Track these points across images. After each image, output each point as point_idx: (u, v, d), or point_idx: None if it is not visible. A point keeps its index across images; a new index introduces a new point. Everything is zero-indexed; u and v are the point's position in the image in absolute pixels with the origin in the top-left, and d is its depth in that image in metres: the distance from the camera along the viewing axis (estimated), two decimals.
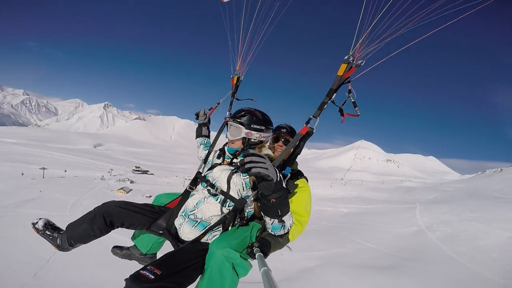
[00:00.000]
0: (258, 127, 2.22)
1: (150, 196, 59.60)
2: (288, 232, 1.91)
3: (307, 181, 2.43)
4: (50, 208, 39.68)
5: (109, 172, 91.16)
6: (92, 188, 60.61)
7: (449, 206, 69.74)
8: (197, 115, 2.93)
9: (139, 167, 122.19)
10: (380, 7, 1.57)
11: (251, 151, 1.63)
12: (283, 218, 1.75)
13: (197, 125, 3.00)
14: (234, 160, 2.27)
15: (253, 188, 1.98)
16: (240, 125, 2.23)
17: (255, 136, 2.23)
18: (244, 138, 2.25)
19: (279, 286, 1.10)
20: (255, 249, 1.73)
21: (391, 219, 59.79)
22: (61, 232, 2.24)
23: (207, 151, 2.61)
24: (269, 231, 1.87)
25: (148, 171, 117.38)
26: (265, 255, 1.76)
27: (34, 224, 2.27)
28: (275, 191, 1.58)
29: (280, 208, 1.68)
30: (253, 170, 1.46)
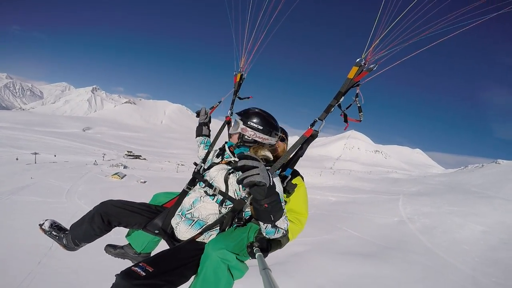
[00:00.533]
0: (255, 126, 2.18)
1: (145, 182, 59.52)
2: (284, 235, 1.87)
3: (303, 179, 2.39)
4: (45, 194, 39.54)
5: (102, 157, 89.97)
6: (85, 173, 59.97)
7: (430, 198, 72.87)
8: (198, 114, 2.90)
9: (131, 152, 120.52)
10: (396, 10, 1.53)
11: (246, 152, 1.59)
12: (276, 223, 1.69)
13: (197, 124, 2.94)
14: (232, 159, 2.23)
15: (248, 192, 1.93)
16: (239, 120, 2.24)
17: (249, 133, 2.18)
18: (239, 134, 2.23)
19: (279, 286, 1.09)
20: (255, 249, 1.72)
21: (376, 209, 62.22)
22: (66, 232, 2.30)
23: (207, 150, 2.55)
24: (264, 234, 1.81)
25: (140, 156, 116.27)
26: (265, 255, 1.74)
27: (41, 225, 2.33)
28: (267, 196, 1.52)
29: (273, 213, 1.61)
30: (246, 181, 1.42)
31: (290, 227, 1.99)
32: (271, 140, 2.24)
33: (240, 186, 1.99)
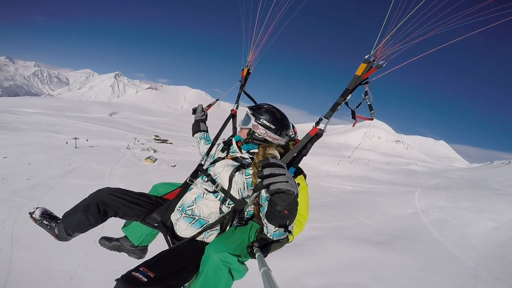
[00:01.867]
0: (267, 124, 2.09)
1: (174, 166, 61.92)
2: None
3: (305, 177, 2.31)
4: (91, 178, 42.16)
5: (134, 142, 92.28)
6: (121, 157, 62.49)
7: (447, 193, 72.36)
8: (194, 111, 2.83)
9: (158, 136, 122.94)
10: (411, 6, 1.43)
11: (271, 160, 1.37)
12: (289, 228, 1.62)
13: (194, 120, 2.88)
14: (238, 155, 2.15)
15: (255, 189, 1.78)
16: (251, 115, 2.15)
17: (260, 131, 2.10)
18: (249, 130, 2.15)
19: (279, 286, 1.09)
20: (255, 249, 1.70)
21: (390, 200, 63.07)
22: (58, 221, 2.17)
23: (209, 145, 2.49)
24: (268, 235, 1.70)
25: (167, 140, 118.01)
26: (265, 255, 1.73)
27: (31, 214, 2.20)
28: (290, 204, 1.39)
29: (290, 219, 1.54)
30: (272, 188, 1.27)
31: (294, 229, 1.95)
32: (281, 140, 2.15)
33: (245, 185, 1.95)
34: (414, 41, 1.50)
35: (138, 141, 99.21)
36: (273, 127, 2.10)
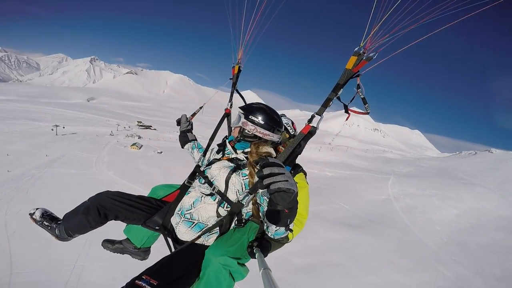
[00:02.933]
0: (256, 120, 2.06)
1: (161, 152, 60.75)
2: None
3: (305, 175, 2.28)
4: (77, 166, 40.71)
5: (117, 128, 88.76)
6: (106, 144, 60.15)
7: (417, 181, 77.62)
8: (179, 122, 2.76)
9: (141, 122, 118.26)
10: None
11: (270, 160, 1.37)
12: (290, 226, 1.61)
13: (179, 132, 2.76)
14: (233, 156, 2.12)
15: (251, 190, 1.79)
16: (241, 114, 2.14)
17: (249, 127, 2.07)
18: (240, 128, 2.14)
19: (279, 286, 1.10)
20: (255, 249, 1.69)
21: (366, 186, 67.02)
22: (58, 222, 2.18)
23: (207, 143, 2.45)
24: (269, 235, 1.68)
25: (151, 126, 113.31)
26: (265, 254, 1.72)
27: (31, 215, 2.19)
28: (290, 203, 1.38)
29: (290, 218, 1.52)
30: (272, 187, 1.28)
31: (294, 229, 1.98)
32: (273, 137, 2.11)
33: (243, 186, 1.93)
34: (401, 32, 1.51)
35: (125, 127, 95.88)
36: (262, 122, 2.07)
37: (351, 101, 1.73)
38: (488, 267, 39.74)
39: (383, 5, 1.46)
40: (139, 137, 77.64)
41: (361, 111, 1.75)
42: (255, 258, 1.62)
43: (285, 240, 1.89)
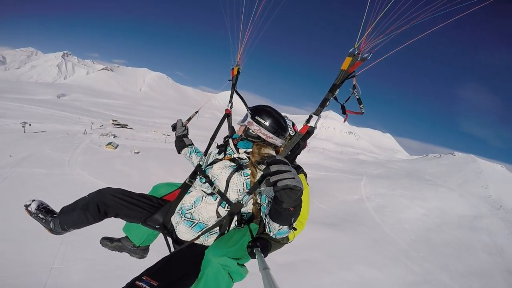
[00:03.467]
0: (262, 121, 2.08)
1: (138, 152, 58.82)
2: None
3: (306, 176, 2.28)
4: (48, 166, 38.90)
5: (91, 126, 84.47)
6: (79, 143, 57.47)
7: (388, 181, 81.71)
8: (174, 127, 2.69)
9: (116, 121, 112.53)
10: None
11: (278, 157, 1.39)
12: (293, 225, 1.60)
13: (175, 137, 2.71)
14: (236, 156, 2.14)
15: (251, 190, 1.84)
16: (249, 113, 2.17)
17: (254, 128, 2.09)
18: (245, 127, 2.16)
19: (279, 286, 1.09)
20: (255, 249, 1.68)
21: (341, 186, 69.39)
22: (54, 215, 2.13)
23: (200, 157, 2.38)
24: (271, 235, 1.67)
25: (127, 125, 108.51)
26: (265, 254, 1.71)
27: (27, 207, 2.14)
28: (296, 200, 1.40)
29: (294, 216, 1.51)
30: (280, 184, 1.29)
31: (294, 230, 1.98)
32: (276, 140, 2.12)
33: (245, 185, 1.94)
34: (395, 33, 1.52)
35: (100, 125, 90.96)
36: (267, 124, 2.08)
37: (346, 101, 1.76)
38: (452, 263, 43.20)
39: (376, 6, 1.49)
40: (115, 136, 74.69)
41: (356, 111, 1.78)
42: (255, 258, 1.63)
43: (286, 240, 1.95)
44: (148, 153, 59.83)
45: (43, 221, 2.11)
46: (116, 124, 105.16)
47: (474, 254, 46.06)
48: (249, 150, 2.12)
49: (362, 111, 1.73)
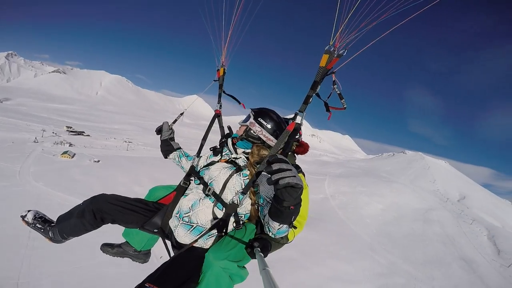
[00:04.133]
0: (264, 123, 2.10)
1: (98, 161, 55.60)
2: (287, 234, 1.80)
3: (304, 176, 2.22)
4: None
5: (43, 134, 77.23)
6: (30, 153, 52.74)
7: (349, 180, 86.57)
8: (160, 131, 2.58)
9: (71, 127, 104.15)
10: None
11: (278, 156, 1.40)
12: (293, 224, 1.60)
13: (160, 142, 2.59)
14: (233, 157, 2.14)
15: (245, 190, 1.86)
16: (251, 114, 2.18)
17: (256, 129, 2.10)
18: (247, 127, 2.16)
19: (279, 286, 1.09)
20: (255, 249, 1.65)
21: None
22: (52, 224, 2.13)
23: (191, 160, 2.34)
24: (270, 234, 1.70)
25: (83, 132, 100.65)
26: (265, 254, 1.68)
27: (23, 217, 2.13)
28: (296, 198, 1.40)
29: (295, 215, 1.50)
30: (281, 182, 1.29)
31: (293, 230, 1.99)
32: (272, 140, 2.11)
33: (243, 186, 1.93)
34: (366, 29, 1.55)
35: (53, 133, 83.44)
36: (269, 126, 2.11)
37: (328, 97, 1.78)
38: (412, 253, 47.25)
39: (347, 4, 1.53)
40: (70, 145, 69.29)
41: (338, 107, 1.80)
42: (255, 258, 1.59)
43: (286, 240, 1.95)
44: (110, 162, 56.46)
45: (42, 230, 2.11)
46: (72, 131, 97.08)
47: (430, 245, 50.97)
48: (248, 150, 2.12)
49: (345, 106, 1.78)
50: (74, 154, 57.28)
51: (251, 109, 2.23)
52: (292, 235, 2.01)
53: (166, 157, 2.59)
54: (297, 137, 2.36)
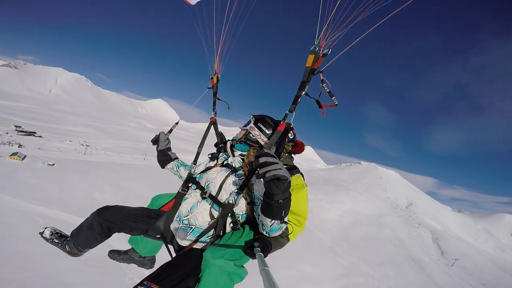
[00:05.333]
0: (263, 128, 2.18)
1: (53, 164, 51.68)
2: (283, 232, 1.84)
3: (303, 176, 2.25)
4: None
5: None
6: None
7: (311, 188, 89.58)
8: (156, 141, 2.62)
9: (20, 127, 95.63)
10: None
11: (266, 150, 1.48)
12: (285, 219, 1.64)
13: (156, 151, 2.63)
14: (230, 160, 2.21)
15: (240, 189, 1.91)
16: (252, 118, 2.24)
17: (255, 133, 2.18)
18: (246, 131, 2.24)
19: (279, 286, 1.10)
20: (255, 249, 1.65)
21: None
22: (68, 239, 2.22)
23: (189, 170, 2.37)
24: (264, 233, 1.75)
25: (35, 132, 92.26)
26: (265, 254, 1.68)
27: (41, 234, 2.25)
28: (284, 191, 1.45)
29: (285, 209, 1.55)
30: (268, 175, 1.35)
31: (294, 229, 1.99)
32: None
33: (239, 186, 1.97)
34: (347, 28, 1.59)
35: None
36: (267, 131, 2.17)
37: (319, 95, 1.81)
38: (369, 255, 50.69)
39: (329, 5, 1.58)
40: (20, 146, 63.50)
41: (330, 104, 1.82)
42: (255, 258, 1.59)
43: (286, 240, 1.97)
44: (67, 166, 52.31)
45: (59, 245, 2.22)
46: (21, 131, 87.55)
47: (384, 247, 55.29)
48: (245, 152, 2.20)
49: (336, 103, 1.79)
50: (25, 156, 52.20)
51: (252, 115, 2.29)
52: (293, 235, 2.03)
53: (163, 167, 2.63)
54: (291, 137, 2.41)
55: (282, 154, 2.25)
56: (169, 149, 2.64)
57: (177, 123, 2.77)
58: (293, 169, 2.21)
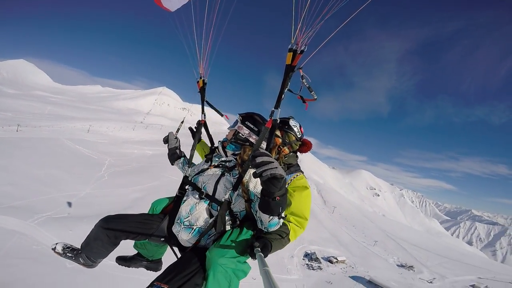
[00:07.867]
0: (251, 126, 2.21)
1: None
2: (283, 232, 1.90)
3: (304, 176, 2.26)
4: None
5: None
6: None
7: None
8: (167, 140, 2.75)
9: None
10: None
11: (261, 150, 1.51)
12: (282, 215, 1.67)
13: (167, 151, 2.76)
14: (224, 159, 2.23)
15: (234, 187, 1.95)
16: (239, 118, 2.28)
17: (244, 132, 2.21)
18: (235, 131, 2.26)
19: (279, 286, 1.10)
20: (255, 249, 1.65)
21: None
22: (79, 252, 2.23)
23: (190, 153, 2.50)
24: (263, 228, 1.77)
25: None
26: (266, 254, 1.69)
27: (54, 249, 2.29)
28: (281, 189, 1.49)
29: (282, 205, 1.59)
30: (265, 174, 1.38)
31: (294, 230, 2.02)
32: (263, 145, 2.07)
33: (233, 183, 2.00)
34: (321, 23, 1.62)
35: None
36: (256, 129, 2.22)
37: (300, 90, 1.90)
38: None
39: (302, 2, 1.59)
40: None
41: (310, 98, 1.93)
42: (255, 259, 1.59)
43: (287, 240, 1.99)
44: None
45: (73, 258, 2.24)
46: None
47: None
48: (237, 152, 2.24)
49: (315, 97, 1.90)
50: None
51: (239, 114, 2.36)
52: (293, 235, 2.03)
53: (172, 164, 2.75)
54: (299, 136, 2.45)
55: (287, 152, 2.34)
56: (177, 147, 2.76)
57: (182, 122, 2.89)
58: (296, 168, 2.32)
